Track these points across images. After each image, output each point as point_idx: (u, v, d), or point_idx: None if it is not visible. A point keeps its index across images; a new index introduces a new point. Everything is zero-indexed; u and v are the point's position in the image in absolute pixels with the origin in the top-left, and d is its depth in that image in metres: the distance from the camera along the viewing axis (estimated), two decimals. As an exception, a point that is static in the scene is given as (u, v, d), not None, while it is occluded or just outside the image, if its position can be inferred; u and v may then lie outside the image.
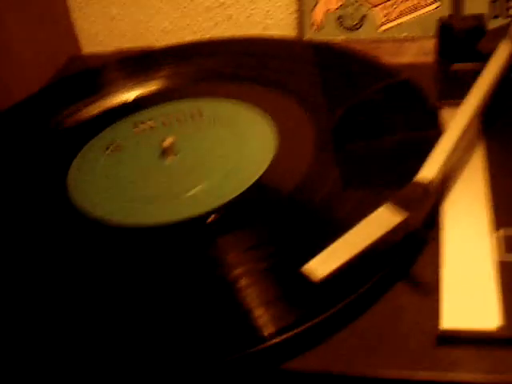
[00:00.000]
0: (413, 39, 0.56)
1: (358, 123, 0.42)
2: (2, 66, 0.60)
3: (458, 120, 0.36)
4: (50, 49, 0.67)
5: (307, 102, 0.44)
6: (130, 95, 0.49)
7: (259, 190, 0.37)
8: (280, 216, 0.36)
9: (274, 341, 0.29)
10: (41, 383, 0.29)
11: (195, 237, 0.35)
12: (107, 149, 0.44)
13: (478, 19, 0.47)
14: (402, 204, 0.31)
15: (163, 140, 0.41)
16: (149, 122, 0.45)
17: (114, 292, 0.33)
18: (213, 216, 0.36)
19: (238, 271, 0.32)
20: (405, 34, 0.56)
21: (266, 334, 0.29)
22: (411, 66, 0.52)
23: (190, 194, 0.38)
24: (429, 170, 0.33)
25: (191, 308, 0.31)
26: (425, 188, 0.32)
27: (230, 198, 0.37)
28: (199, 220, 0.36)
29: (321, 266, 0.29)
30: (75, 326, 0.31)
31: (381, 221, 0.31)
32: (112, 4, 0.71)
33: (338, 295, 0.30)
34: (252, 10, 0.68)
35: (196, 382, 0.29)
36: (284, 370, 0.29)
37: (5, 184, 0.43)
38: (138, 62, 0.54)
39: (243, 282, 0.32)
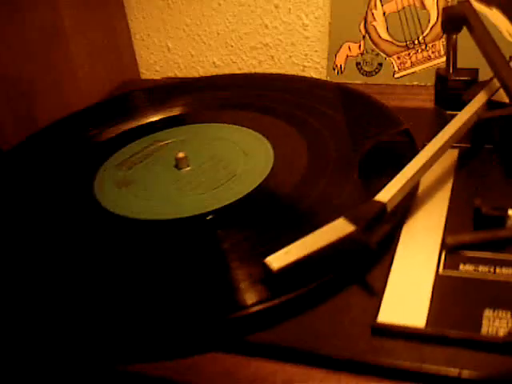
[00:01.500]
0: (423, 87, 0.62)
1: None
2: (65, 84, 0.70)
3: (423, 152, 0.42)
4: (111, 73, 0.77)
5: (309, 133, 0.52)
6: (156, 117, 0.58)
7: (254, 197, 0.46)
8: (268, 218, 0.44)
9: (238, 314, 0.36)
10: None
11: (200, 230, 0.44)
12: (129, 159, 0.53)
13: (472, 72, 0.53)
14: (354, 219, 0.38)
15: (177, 153, 0.50)
16: (168, 140, 0.55)
17: (134, 269, 0.41)
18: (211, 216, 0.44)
19: (215, 260, 0.40)
20: (416, 83, 0.63)
21: (233, 308, 0.36)
22: (418, 110, 0.58)
23: (194, 197, 0.46)
24: (387, 193, 0.39)
25: (174, 288, 0.39)
26: (380, 207, 0.39)
27: (231, 201, 0.45)
28: (203, 216, 0.44)
29: (279, 259, 0.36)
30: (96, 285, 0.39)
31: (333, 230, 0.37)
32: (168, 39, 0.80)
33: (297, 286, 0.37)
34: (292, 52, 0.76)
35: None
36: (245, 341, 0.36)
37: (47, 181, 0.52)
38: (165, 91, 0.63)
39: (220, 269, 0.39)
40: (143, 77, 0.83)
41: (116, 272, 0.40)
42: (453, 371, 0.33)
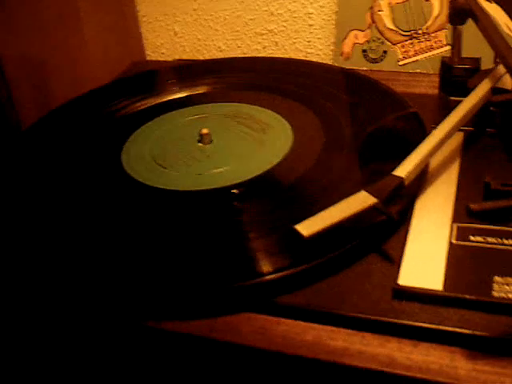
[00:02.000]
0: (425, 74, 0.66)
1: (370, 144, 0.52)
2: (79, 65, 0.72)
3: (435, 133, 0.45)
4: (120, 54, 0.79)
5: (324, 115, 0.55)
6: (180, 95, 0.61)
7: (272, 174, 0.49)
8: (283, 194, 0.47)
9: (269, 277, 0.39)
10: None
11: (218, 202, 0.46)
12: (155, 133, 0.55)
13: (475, 61, 0.56)
14: (375, 192, 0.41)
15: (201, 130, 0.52)
16: (191, 117, 0.57)
17: (154, 231, 0.44)
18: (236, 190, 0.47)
19: (247, 228, 0.43)
20: (419, 70, 0.66)
21: (264, 271, 0.39)
22: (421, 96, 0.61)
23: (217, 171, 0.49)
24: (404, 168, 0.43)
25: (212, 251, 0.42)
26: (398, 182, 0.42)
27: (249, 177, 0.48)
28: (222, 190, 0.47)
29: (308, 227, 0.39)
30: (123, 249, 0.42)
31: (356, 202, 0.40)
32: (175, 22, 0.82)
33: (323, 252, 0.40)
34: (295, 39, 0.79)
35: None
36: (275, 303, 0.39)
37: (73, 155, 0.54)
38: (189, 69, 0.66)
39: (250, 236, 0.42)
40: (149, 59, 0.85)
41: (154, 238, 0.43)
42: (467, 331, 0.36)
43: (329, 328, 0.38)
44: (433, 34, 0.65)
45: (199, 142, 0.53)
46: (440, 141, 0.45)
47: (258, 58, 0.71)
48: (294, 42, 0.79)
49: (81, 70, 0.72)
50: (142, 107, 0.60)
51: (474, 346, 0.36)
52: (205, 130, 0.52)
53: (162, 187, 0.48)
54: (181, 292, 0.39)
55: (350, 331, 0.38)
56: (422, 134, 0.51)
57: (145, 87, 0.63)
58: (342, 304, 0.39)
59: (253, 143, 0.52)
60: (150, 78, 0.66)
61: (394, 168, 0.44)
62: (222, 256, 0.41)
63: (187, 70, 0.66)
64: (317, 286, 0.40)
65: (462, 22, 0.55)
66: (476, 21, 0.53)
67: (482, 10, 0.53)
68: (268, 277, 0.39)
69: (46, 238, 0.45)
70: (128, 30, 0.81)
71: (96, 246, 0.43)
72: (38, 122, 0.59)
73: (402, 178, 0.42)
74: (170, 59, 0.84)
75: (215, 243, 0.42)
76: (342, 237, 0.41)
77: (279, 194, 0.46)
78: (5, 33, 0.59)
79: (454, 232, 0.42)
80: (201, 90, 0.62)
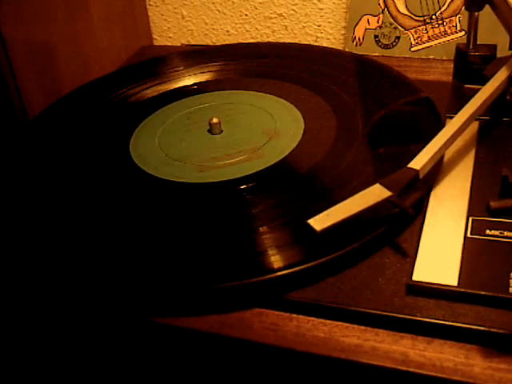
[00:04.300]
0: (439, 61, 0.64)
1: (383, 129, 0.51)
2: (86, 50, 0.71)
3: (451, 124, 0.44)
4: (127, 38, 0.78)
5: (336, 102, 0.54)
6: (188, 82, 0.60)
7: (283, 165, 0.48)
8: (295, 186, 0.46)
9: (281, 273, 0.38)
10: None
11: (230, 194, 0.45)
12: (164, 122, 0.54)
13: (491, 48, 0.55)
14: (390, 184, 0.40)
15: (211, 119, 0.51)
16: (200, 105, 0.56)
17: (163, 225, 0.43)
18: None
19: (259, 222, 0.42)
20: (432, 56, 0.65)
21: (276, 266, 0.39)
22: (434, 83, 0.60)
23: (227, 162, 0.48)
24: (419, 161, 0.42)
25: (223, 246, 0.41)
26: (413, 174, 0.41)
27: (261, 168, 0.47)
28: (233, 182, 0.46)
29: (321, 221, 0.38)
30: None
31: (370, 196, 0.39)
32: (183, 6, 0.81)
33: (334, 247, 0.39)
34: (305, 23, 0.77)
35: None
36: (287, 298, 0.38)
37: (80, 143, 0.53)
38: (198, 56, 0.65)
39: (262, 230, 0.41)
40: (156, 43, 0.84)
41: (164, 232, 0.43)
42: (482, 328, 0.36)
43: (342, 324, 0.38)
44: (447, 20, 0.64)
45: (209, 131, 0.52)
46: (456, 132, 0.44)
47: (267, 43, 0.70)
48: (304, 26, 0.78)
49: (88, 54, 0.70)
50: (151, 95, 0.59)
51: (490, 344, 0.36)
52: (215, 120, 0.51)
53: (170, 179, 0.47)
54: (192, 287, 0.38)
55: (363, 328, 0.37)
56: (435, 120, 0.50)
57: (153, 74, 0.62)
58: (355, 300, 0.38)
59: (263, 132, 0.51)
60: (157, 64, 0.65)
61: (406, 152, 0.43)
62: (234, 251, 0.40)
63: (195, 56, 0.65)
64: (329, 281, 0.39)
65: (479, 9, 0.54)
66: (493, 7, 0.52)
67: (499, -5, 0.51)
68: (280, 272, 0.38)
69: (52, 229, 0.44)
70: (135, 14, 0.80)
71: (103, 239, 0.42)
72: (46, 110, 0.58)
73: (417, 171, 0.41)
74: (177, 43, 0.83)
75: (226, 238, 0.41)
76: (355, 230, 0.40)
77: (291, 186, 0.45)
78: (11, 17, 0.58)
79: (470, 225, 0.41)
80: (210, 76, 0.61)
